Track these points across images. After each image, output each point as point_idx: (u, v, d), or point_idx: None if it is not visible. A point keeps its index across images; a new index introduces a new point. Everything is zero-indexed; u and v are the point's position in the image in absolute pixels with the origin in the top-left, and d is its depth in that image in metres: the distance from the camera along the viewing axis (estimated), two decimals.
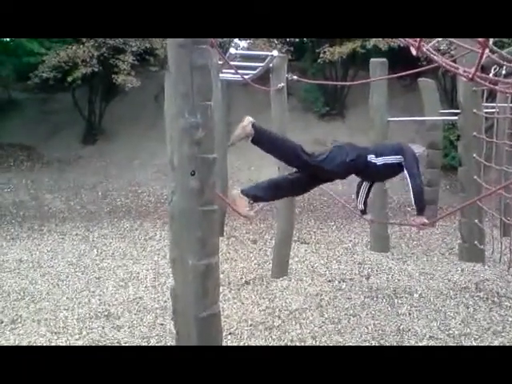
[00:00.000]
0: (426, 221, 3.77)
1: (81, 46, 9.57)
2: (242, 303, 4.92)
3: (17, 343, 4.09)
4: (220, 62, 6.07)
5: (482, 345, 3.95)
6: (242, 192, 3.44)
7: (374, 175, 3.91)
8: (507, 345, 3.95)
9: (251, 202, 3.45)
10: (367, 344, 3.99)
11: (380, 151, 3.68)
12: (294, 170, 3.76)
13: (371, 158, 3.60)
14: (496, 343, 3.98)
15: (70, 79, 9.72)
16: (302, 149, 3.48)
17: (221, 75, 6.82)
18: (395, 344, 3.97)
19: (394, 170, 3.73)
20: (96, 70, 9.73)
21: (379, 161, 3.61)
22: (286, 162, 3.69)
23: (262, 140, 3.44)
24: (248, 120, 3.35)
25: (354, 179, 4.06)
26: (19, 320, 4.59)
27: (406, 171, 3.65)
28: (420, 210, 3.71)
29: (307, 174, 3.62)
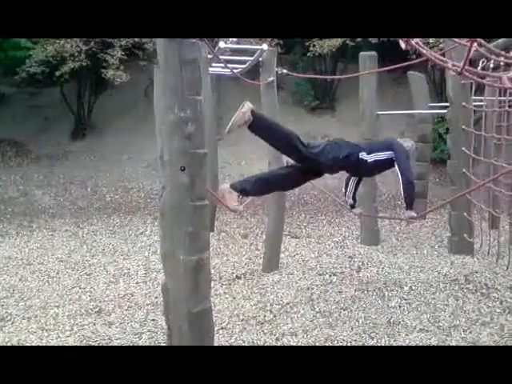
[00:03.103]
0: (414, 215, 3.83)
1: (68, 41, 9.46)
2: (234, 298, 4.92)
3: (6, 341, 4.06)
4: (209, 56, 6.04)
5: (471, 336, 4.00)
6: (231, 186, 3.43)
7: (363, 172, 3.96)
8: (495, 335, 4.00)
9: (241, 196, 3.44)
10: (358, 337, 4.02)
11: (371, 148, 3.72)
12: (285, 164, 3.77)
13: (362, 155, 3.64)
14: (484, 334, 4.03)
15: (58, 74, 9.62)
16: (299, 138, 3.48)
17: (210, 69, 6.79)
18: (386, 336, 4.01)
19: (384, 165, 3.79)
20: (84, 64, 9.63)
21: (370, 158, 3.66)
22: (281, 150, 3.70)
23: (260, 127, 3.41)
24: (248, 106, 3.30)
25: (343, 173, 4.08)
26: (9, 318, 4.56)
27: (397, 167, 3.70)
28: (409, 205, 3.77)
29: (299, 167, 3.62)
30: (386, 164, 3.77)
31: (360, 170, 3.88)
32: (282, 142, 3.51)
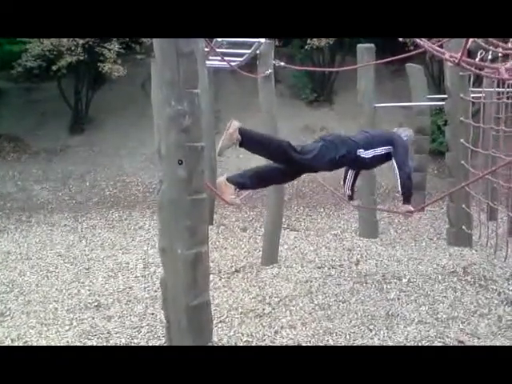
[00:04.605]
0: (411, 209, 3.85)
1: None
2: (233, 291, 4.93)
3: (6, 335, 4.07)
4: (206, 49, 6.01)
5: (469, 327, 4.02)
6: (228, 179, 3.42)
7: (361, 166, 4.03)
8: (493, 326, 4.02)
9: (237, 189, 3.44)
10: (357, 329, 4.03)
11: (369, 143, 3.68)
12: None
13: (360, 152, 3.62)
14: (482, 325, 4.05)
15: (55, 68, 9.57)
16: (291, 145, 3.44)
17: (207, 62, 6.76)
18: (384, 328, 4.02)
19: (382, 159, 3.82)
20: (82, 58, 9.58)
21: (368, 154, 3.65)
22: (274, 161, 3.64)
23: (251, 144, 3.42)
24: (234, 126, 3.27)
25: None
26: (8, 312, 4.56)
27: (394, 161, 3.72)
28: (406, 199, 3.79)
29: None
30: (385, 158, 3.81)
31: (358, 165, 3.96)
32: (273, 153, 3.49)
